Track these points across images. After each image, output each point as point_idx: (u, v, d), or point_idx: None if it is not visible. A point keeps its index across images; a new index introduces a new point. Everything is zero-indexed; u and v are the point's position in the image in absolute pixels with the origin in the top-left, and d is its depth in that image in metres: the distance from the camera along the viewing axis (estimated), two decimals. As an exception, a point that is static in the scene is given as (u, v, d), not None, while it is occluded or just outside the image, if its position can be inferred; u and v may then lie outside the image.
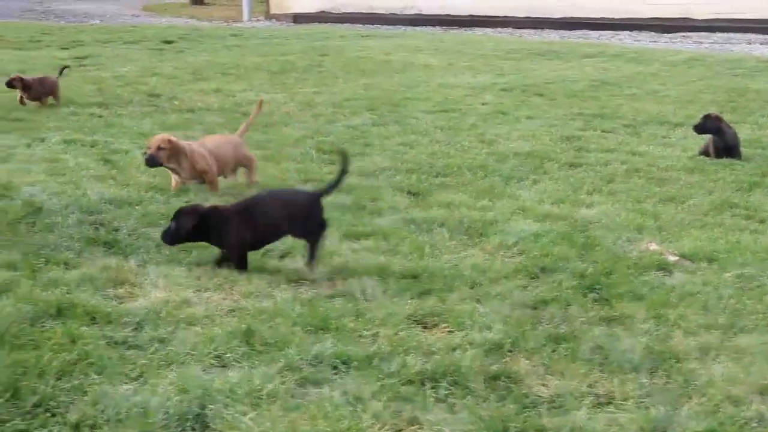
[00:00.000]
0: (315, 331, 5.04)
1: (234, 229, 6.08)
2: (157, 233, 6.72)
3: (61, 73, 12.87)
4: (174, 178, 8.27)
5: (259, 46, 20.50)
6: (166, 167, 8.09)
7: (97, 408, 4.10)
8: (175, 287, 5.67)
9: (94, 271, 5.87)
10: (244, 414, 4.07)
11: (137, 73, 15.83)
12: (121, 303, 5.41)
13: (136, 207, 7.43)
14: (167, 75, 15.68)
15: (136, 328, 5.02)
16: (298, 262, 6.20)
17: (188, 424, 4.03)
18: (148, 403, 4.13)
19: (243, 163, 8.53)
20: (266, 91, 14.16)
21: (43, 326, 4.98)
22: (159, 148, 7.90)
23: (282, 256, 6.34)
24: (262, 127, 11.17)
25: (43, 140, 10.05)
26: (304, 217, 6.17)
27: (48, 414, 4.07)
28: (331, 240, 6.72)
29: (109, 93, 13.68)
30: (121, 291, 5.62)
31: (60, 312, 5.15)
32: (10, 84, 12.44)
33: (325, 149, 9.89)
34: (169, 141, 7.96)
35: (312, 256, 6.11)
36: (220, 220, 6.12)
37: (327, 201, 7.70)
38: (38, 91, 12.45)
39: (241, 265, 6.10)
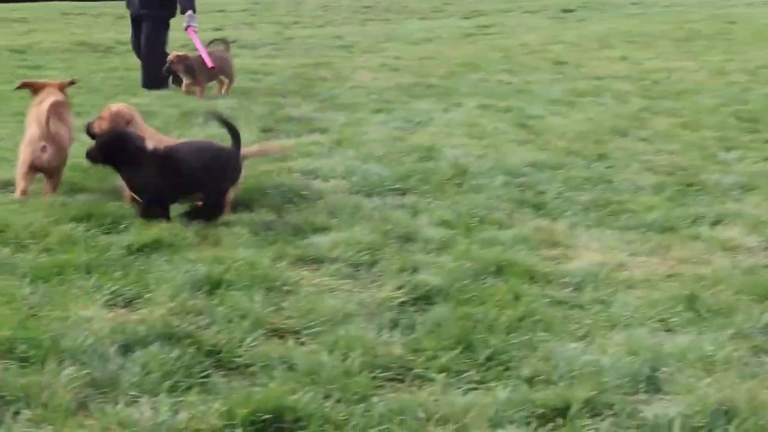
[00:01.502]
0: (761, 300, 4.85)
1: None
2: (582, 197, 6.74)
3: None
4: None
5: (661, 15, 20.15)
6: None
7: (549, 364, 4.11)
8: (609, 250, 5.63)
9: (527, 231, 5.93)
10: (699, 379, 3.97)
11: (541, 41, 15.94)
12: (558, 264, 5.42)
13: (558, 171, 7.45)
14: (571, 43, 15.70)
15: (576, 289, 5.01)
16: (731, 230, 6.02)
17: (640, 385, 3.96)
18: (599, 362, 4.11)
19: None
20: (673, 59, 13.89)
21: (484, 283, 5.05)
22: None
23: (714, 223, 6.17)
24: (673, 94, 10.98)
25: (459, 105, 10.30)
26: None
27: (501, 367, 4.11)
28: (763, 207, 6.50)
29: (516, 60, 13.84)
30: (554, 252, 5.64)
31: (500, 270, 5.20)
32: (171, 71, 11.07)
33: (744, 117, 9.57)
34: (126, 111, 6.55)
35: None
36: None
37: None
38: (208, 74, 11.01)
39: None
